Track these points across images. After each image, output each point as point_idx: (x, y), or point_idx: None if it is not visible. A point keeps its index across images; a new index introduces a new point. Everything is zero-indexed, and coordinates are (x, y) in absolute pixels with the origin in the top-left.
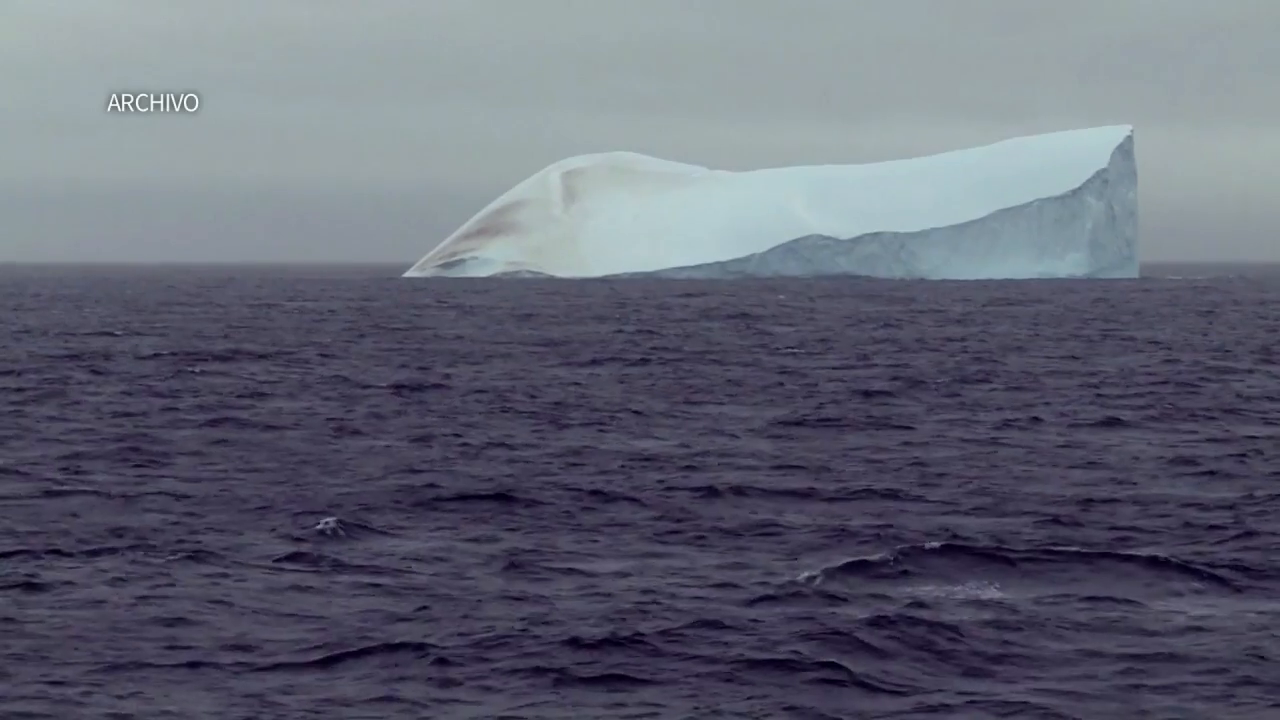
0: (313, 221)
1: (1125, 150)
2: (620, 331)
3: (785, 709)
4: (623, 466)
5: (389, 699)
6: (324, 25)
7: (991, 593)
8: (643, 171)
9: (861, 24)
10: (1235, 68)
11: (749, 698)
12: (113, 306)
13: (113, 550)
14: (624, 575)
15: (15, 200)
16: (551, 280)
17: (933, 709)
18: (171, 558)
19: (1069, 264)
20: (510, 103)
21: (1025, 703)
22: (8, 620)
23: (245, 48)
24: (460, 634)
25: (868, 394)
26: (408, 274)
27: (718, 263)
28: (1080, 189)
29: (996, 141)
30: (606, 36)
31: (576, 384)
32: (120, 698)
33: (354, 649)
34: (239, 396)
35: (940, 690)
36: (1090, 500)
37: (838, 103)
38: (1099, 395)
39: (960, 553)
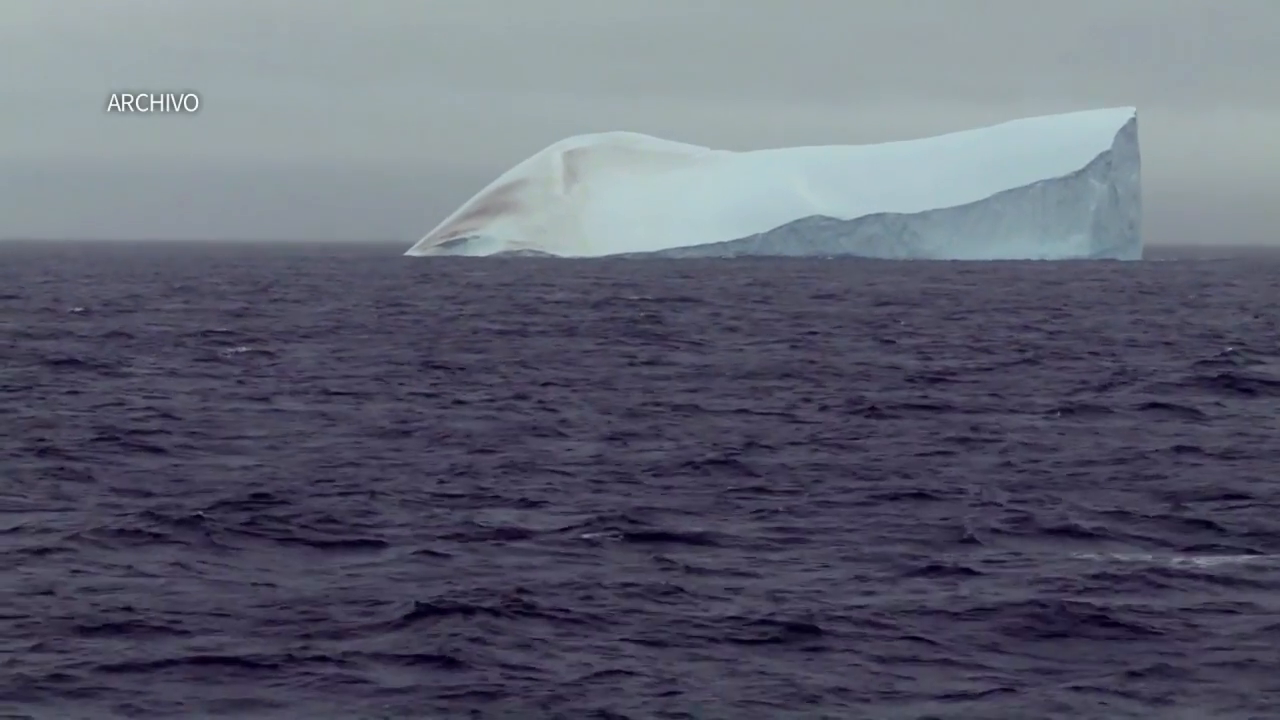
0: (312, 201)
1: (1129, 132)
2: (645, 312)
3: (960, 686)
4: (723, 452)
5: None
6: (323, 6)
7: (1152, 573)
8: (644, 151)
9: (861, 6)
10: (1233, 51)
11: (924, 679)
12: (121, 284)
13: (243, 528)
14: (768, 548)
15: (13, 177)
16: (555, 260)
17: (1104, 690)
18: (317, 533)
19: (1072, 245)
20: (511, 83)
21: (1197, 691)
22: (196, 603)
23: (245, 28)
24: (612, 609)
25: (934, 378)
26: (409, 253)
27: (719, 243)
28: (1083, 171)
29: (998, 123)
30: (607, 17)
31: (626, 363)
32: (318, 660)
33: (521, 612)
34: (295, 381)
35: (1108, 676)
36: (1215, 482)
37: (837, 85)
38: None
39: (1105, 533)
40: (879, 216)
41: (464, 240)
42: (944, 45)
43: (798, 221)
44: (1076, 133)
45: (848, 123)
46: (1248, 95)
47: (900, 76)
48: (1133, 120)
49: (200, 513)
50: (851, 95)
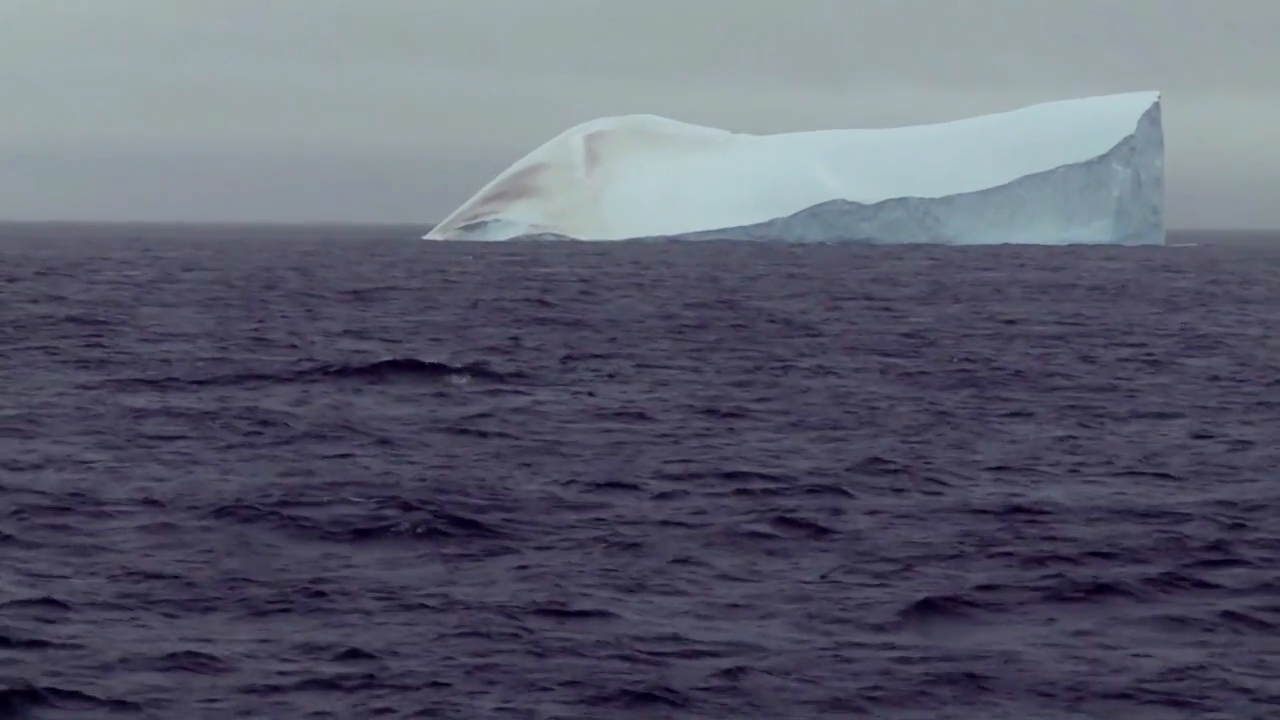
0: (329, 184)
1: (1152, 117)
2: (731, 306)
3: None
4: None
5: None
6: None
7: None
8: (665, 135)
9: None
10: (1252, 35)
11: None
12: (155, 270)
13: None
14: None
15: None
16: (577, 244)
17: None
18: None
19: (1094, 231)
20: (531, 66)
21: None
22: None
23: (273, 10)
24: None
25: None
26: (428, 236)
27: (740, 227)
28: (1107, 156)
29: (1017, 108)
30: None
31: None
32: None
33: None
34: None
35: None
36: None
37: (853, 69)
38: None
39: None
40: (901, 201)
41: (484, 224)
42: (964, 29)
43: (819, 206)
44: (1099, 117)
45: (866, 106)
46: (1259, 80)
47: (917, 60)
48: (1156, 105)
49: None
50: (869, 79)
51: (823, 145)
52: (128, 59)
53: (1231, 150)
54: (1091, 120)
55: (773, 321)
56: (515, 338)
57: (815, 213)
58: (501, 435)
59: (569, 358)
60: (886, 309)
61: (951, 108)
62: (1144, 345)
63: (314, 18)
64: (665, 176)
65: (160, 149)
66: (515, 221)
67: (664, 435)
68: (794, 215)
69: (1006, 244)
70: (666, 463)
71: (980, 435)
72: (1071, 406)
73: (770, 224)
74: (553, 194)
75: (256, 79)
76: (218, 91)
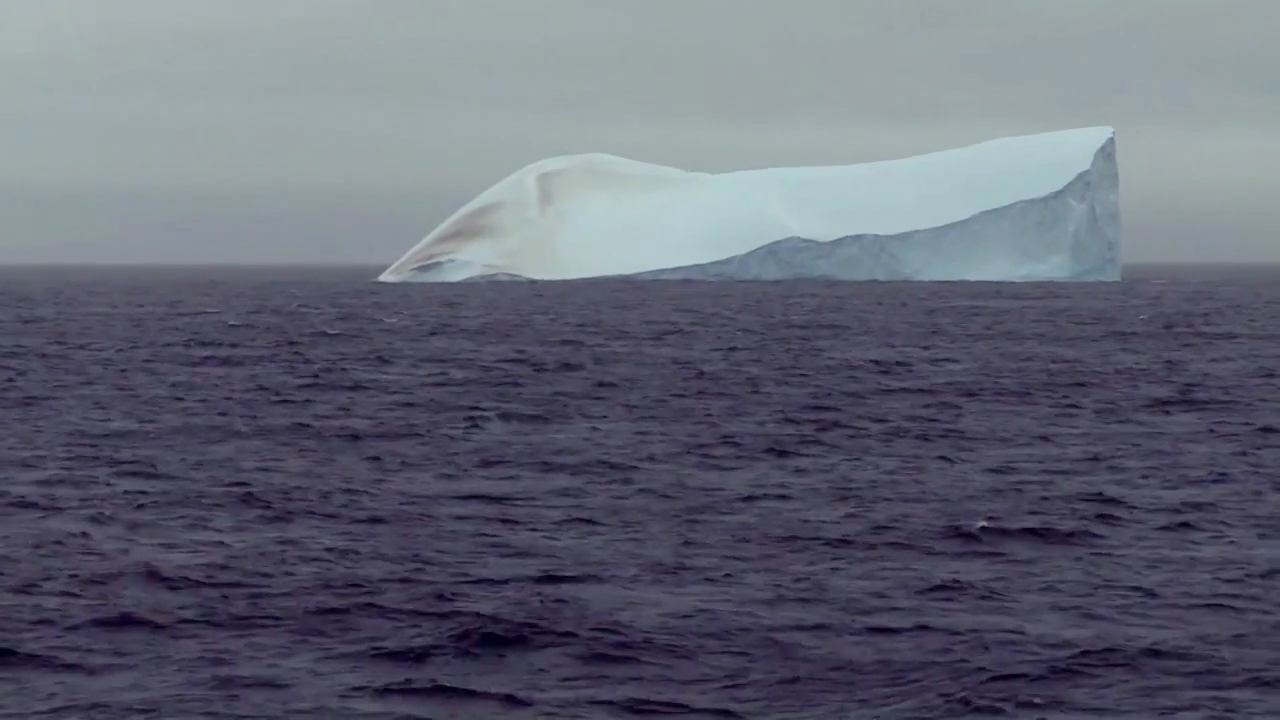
0: (281, 223)
1: (1107, 152)
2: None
3: None
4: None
5: None
6: (300, 30)
7: None
8: (619, 173)
9: (827, 28)
10: (1204, 68)
11: None
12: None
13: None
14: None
15: None
16: (545, 283)
17: None
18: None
19: (1051, 267)
20: (482, 105)
21: None
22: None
23: (230, 50)
24: None
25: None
26: (383, 277)
27: (697, 265)
28: (1062, 191)
29: (978, 143)
30: (571, 36)
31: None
32: None
33: None
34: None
35: None
36: None
37: (804, 106)
38: None
39: None
40: (857, 238)
41: (439, 264)
42: (910, 64)
43: (775, 243)
44: (1055, 153)
45: (811, 142)
46: (1210, 114)
47: (862, 96)
48: (1111, 140)
49: None
50: (814, 115)
51: (777, 182)
52: (70, 99)
53: (1185, 184)
54: (1047, 156)
55: None
56: None
57: (772, 250)
58: None
59: None
60: None
61: (902, 143)
62: None
63: (261, 56)
64: (620, 215)
65: (100, 189)
66: (470, 261)
67: None
68: (751, 253)
69: (963, 280)
70: None
71: None
72: None
73: (727, 262)
74: (507, 233)
75: (201, 117)
76: (155, 130)
